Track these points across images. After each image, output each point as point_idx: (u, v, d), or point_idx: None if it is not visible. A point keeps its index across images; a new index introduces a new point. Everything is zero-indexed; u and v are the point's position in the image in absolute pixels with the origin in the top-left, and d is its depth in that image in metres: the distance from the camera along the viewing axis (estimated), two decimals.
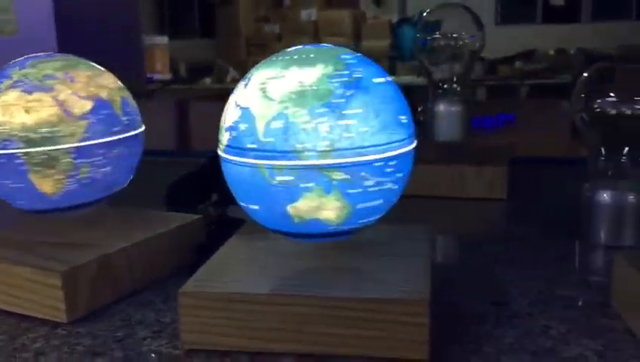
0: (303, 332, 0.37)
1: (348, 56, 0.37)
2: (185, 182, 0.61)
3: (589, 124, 0.54)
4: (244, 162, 0.35)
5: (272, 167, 0.33)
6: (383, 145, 0.34)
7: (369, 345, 0.37)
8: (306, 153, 0.32)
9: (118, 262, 0.46)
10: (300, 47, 0.39)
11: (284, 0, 7.39)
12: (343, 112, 0.34)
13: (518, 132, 1.22)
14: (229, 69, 4.81)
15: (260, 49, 6.16)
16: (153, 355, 0.38)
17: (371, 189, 0.35)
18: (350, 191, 0.34)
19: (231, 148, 0.36)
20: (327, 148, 0.33)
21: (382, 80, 0.36)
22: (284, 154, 0.33)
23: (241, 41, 6.56)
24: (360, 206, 0.35)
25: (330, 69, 0.35)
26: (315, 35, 6.30)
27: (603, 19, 6.57)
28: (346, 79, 0.35)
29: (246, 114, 0.35)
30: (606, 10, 6.67)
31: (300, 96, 0.34)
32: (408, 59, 5.65)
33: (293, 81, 0.35)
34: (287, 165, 0.33)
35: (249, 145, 0.34)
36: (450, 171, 0.70)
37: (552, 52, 5.52)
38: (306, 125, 0.33)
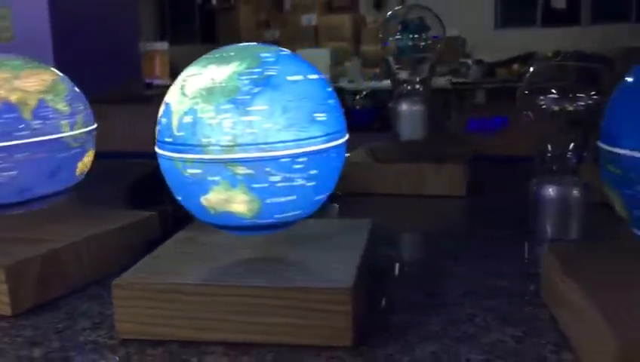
0: (230, 321, 0.38)
1: (268, 54, 0.38)
2: (145, 181, 0.62)
3: (534, 120, 0.55)
4: (164, 155, 0.36)
5: (184, 160, 0.35)
6: (291, 141, 0.36)
7: (294, 333, 0.38)
8: (211, 147, 0.34)
9: (67, 258, 0.47)
10: (228, 46, 0.40)
11: (285, 5, 7.43)
12: (248, 109, 0.35)
13: (511, 133, 1.23)
14: None
15: None
16: (89, 345, 0.39)
17: (280, 185, 0.36)
18: (255, 185, 0.35)
19: (158, 142, 0.38)
20: (230, 143, 0.34)
21: (299, 78, 0.37)
22: (192, 147, 0.34)
23: None
24: (270, 200, 0.36)
25: (242, 67, 0.36)
26: (315, 39, 6.33)
27: (603, 21, 6.57)
28: (255, 76, 0.36)
29: (167, 109, 0.37)
30: (606, 12, 6.66)
31: (209, 93, 0.35)
32: None
33: (207, 78, 0.36)
34: (195, 158, 0.34)
35: (166, 139, 0.36)
36: (410, 169, 0.71)
37: (550, 54, 5.52)
38: (211, 120, 0.34)
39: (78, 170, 0.52)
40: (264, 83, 0.36)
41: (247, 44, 0.40)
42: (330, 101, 0.40)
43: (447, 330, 0.40)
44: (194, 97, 0.35)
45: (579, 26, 6.71)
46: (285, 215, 0.38)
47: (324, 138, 0.38)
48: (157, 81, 4.53)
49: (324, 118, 0.38)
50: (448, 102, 3.30)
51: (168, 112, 0.36)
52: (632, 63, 0.37)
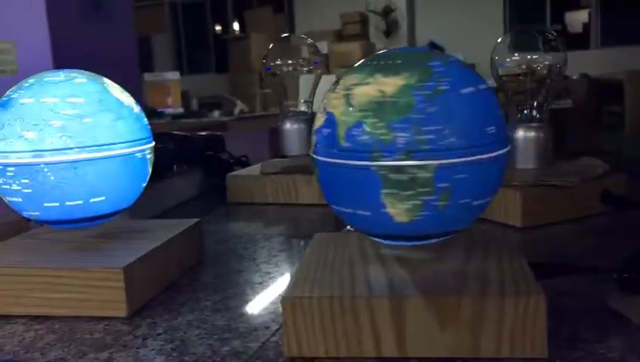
0: (30, 297, 0.47)
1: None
2: None
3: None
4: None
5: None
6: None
7: (80, 306, 0.46)
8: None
9: None
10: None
11: (296, 34, 7.58)
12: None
13: None
14: (237, 102, 4.96)
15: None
16: None
17: None
18: None
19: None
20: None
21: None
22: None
23: (254, 76, 6.75)
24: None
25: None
26: (326, 66, 6.46)
27: (612, 45, 6.59)
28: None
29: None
30: (615, 36, 6.67)
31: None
32: None
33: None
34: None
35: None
36: (287, 181, 0.80)
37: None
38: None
39: None
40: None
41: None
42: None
43: (215, 305, 0.47)
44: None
45: (588, 50, 6.72)
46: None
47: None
48: (168, 110, 4.68)
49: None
50: None
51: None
52: None
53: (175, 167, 0.84)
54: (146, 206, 0.73)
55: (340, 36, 6.89)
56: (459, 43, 6.18)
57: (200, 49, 8.31)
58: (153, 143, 0.53)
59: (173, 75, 5.14)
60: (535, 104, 0.74)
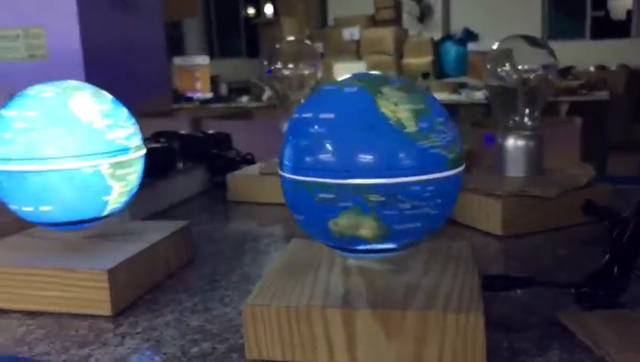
0: (22, 294, 0.51)
1: None
2: None
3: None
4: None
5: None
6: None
7: (68, 304, 0.50)
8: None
9: None
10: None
11: (328, 19, 7.57)
12: None
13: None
14: (265, 88, 5.00)
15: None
16: None
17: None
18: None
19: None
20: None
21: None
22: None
23: None
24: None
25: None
26: (357, 52, 6.44)
27: None
28: None
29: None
30: None
31: None
32: (449, 76, 5.72)
33: None
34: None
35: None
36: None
37: (592, 68, 5.45)
38: None
39: None
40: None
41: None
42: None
43: (195, 306, 0.51)
44: None
45: (629, 38, 6.57)
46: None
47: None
48: (197, 95, 4.74)
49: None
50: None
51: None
52: None
53: (180, 165, 0.87)
54: (148, 203, 0.77)
55: (372, 21, 6.85)
56: (494, 30, 6.09)
57: (231, 33, 8.35)
58: (119, 158, 0.53)
59: (203, 60, 5.17)
60: (527, 112, 0.75)
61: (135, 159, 0.55)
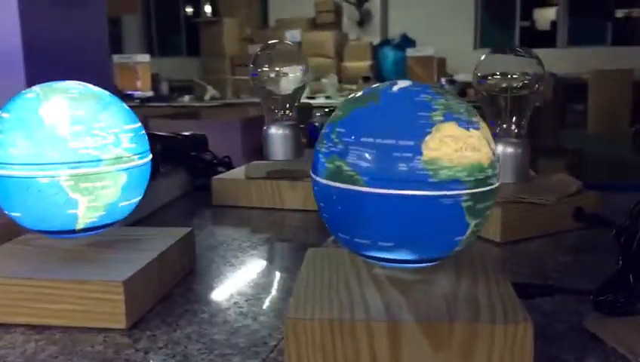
0: (29, 307, 0.48)
1: None
2: None
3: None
4: None
5: None
6: None
7: (80, 317, 0.47)
8: None
9: None
10: None
11: (270, 21, 7.55)
12: None
13: None
14: (208, 87, 4.93)
15: (244, 68, 6.32)
16: None
17: None
18: None
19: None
20: None
21: None
22: None
23: (226, 61, 6.71)
24: None
25: None
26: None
27: (578, 44, 6.72)
28: None
29: None
30: (581, 36, 6.81)
31: None
32: (388, 80, 5.81)
33: None
34: None
35: None
36: (271, 186, 0.81)
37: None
38: None
39: None
40: None
41: None
42: None
43: (213, 317, 0.49)
44: None
45: (555, 48, 6.84)
46: None
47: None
48: (138, 93, 4.62)
49: None
50: None
51: None
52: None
53: (160, 168, 0.84)
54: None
55: (313, 24, 6.88)
56: (431, 37, 6.23)
57: (171, 31, 8.20)
58: (84, 170, 0.48)
59: (143, 58, 5.05)
60: (514, 120, 0.76)
61: (109, 173, 0.49)
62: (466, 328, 0.39)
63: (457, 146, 0.40)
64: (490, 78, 0.76)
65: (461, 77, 5.24)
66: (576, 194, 0.72)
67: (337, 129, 0.42)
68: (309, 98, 4.27)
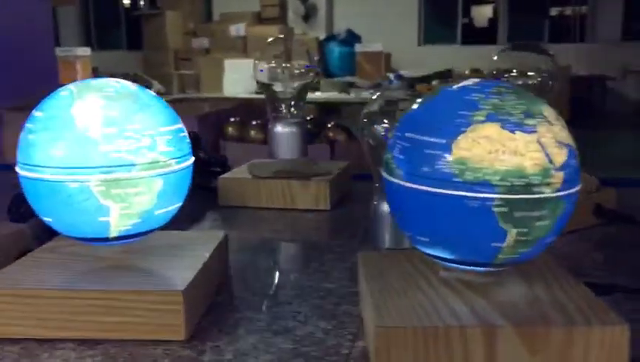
0: (79, 321, 0.44)
1: None
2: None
3: (372, 147, 0.63)
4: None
5: None
6: None
7: (133, 330, 0.44)
8: None
9: None
10: None
11: (214, 14, 7.43)
12: None
13: None
14: (153, 82, 4.80)
15: (188, 63, 6.20)
16: None
17: None
18: None
19: None
20: None
21: None
22: None
23: (169, 55, 6.55)
24: None
25: None
26: (243, 50, 6.36)
27: (517, 41, 6.90)
28: None
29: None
30: (521, 33, 7.00)
31: None
32: (334, 76, 5.80)
33: None
34: None
35: None
36: (282, 185, 0.79)
37: (467, 72, 5.75)
38: None
39: None
40: None
41: None
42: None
43: (270, 325, 0.47)
44: None
45: (495, 45, 7.00)
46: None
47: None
48: None
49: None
50: None
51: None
52: None
53: None
54: None
55: (258, 18, 6.80)
56: (376, 33, 6.27)
57: (110, 24, 7.96)
58: (116, 175, 0.44)
59: (83, 51, 4.88)
60: None
61: (143, 179, 0.45)
62: (563, 332, 0.38)
63: (492, 148, 0.38)
64: (506, 77, 0.76)
65: (406, 73, 5.31)
66: (595, 192, 0.73)
67: (399, 123, 0.44)
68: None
